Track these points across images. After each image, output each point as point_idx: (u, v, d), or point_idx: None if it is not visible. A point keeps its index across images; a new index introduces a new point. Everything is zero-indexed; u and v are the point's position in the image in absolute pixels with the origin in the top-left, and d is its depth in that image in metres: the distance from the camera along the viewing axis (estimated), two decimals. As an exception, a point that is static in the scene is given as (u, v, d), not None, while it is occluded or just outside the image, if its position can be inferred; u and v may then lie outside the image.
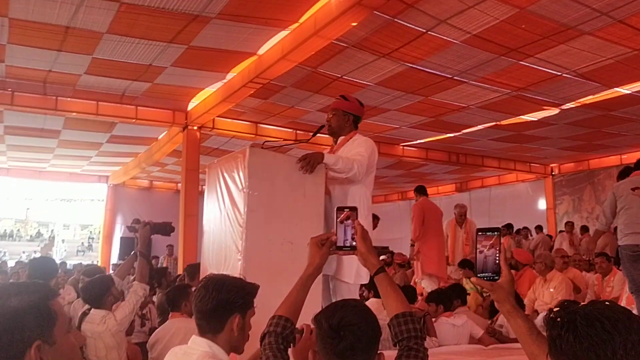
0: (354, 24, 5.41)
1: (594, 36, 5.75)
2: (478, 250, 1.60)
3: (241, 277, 2.15)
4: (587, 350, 1.04)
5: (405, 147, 11.79)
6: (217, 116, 9.28)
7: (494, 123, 9.39)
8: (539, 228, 12.32)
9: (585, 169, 12.93)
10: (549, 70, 6.77)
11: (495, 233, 1.61)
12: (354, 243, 1.79)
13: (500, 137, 10.55)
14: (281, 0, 5.40)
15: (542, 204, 14.18)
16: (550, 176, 13.83)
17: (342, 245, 1.82)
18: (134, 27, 5.88)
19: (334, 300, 3.26)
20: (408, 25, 5.68)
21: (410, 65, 6.71)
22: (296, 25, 5.95)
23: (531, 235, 12.31)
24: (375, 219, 9.04)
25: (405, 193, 18.56)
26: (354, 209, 1.83)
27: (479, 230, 1.62)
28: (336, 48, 6.31)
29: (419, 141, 11.19)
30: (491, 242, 1.60)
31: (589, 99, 7.89)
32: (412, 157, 12.11)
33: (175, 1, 5.29)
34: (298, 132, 10.11)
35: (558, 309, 1.14)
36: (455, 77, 7.09)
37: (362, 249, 1.77)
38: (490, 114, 8.74)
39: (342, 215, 1.82)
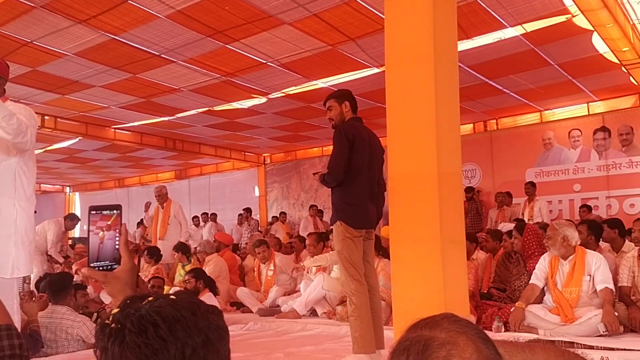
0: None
1: (293, 27, 6.02)
2: (92, 233, 1.24)
3: None
4: None
5: (117, 130, 11.00)
6: None
7: (207, 109, 9.34)
8: (247, 211, 12.91)
9: (293, 159, 13.93)
10: (255, 57, 6.92)
11: (115, 212, 1.26)
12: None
13: (215, 124, 10.58)
14: None
15: (257, 191, 14.86)
16: (263, 165, 14.56)
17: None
18: None
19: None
20: (105, -11, 5.18)
21: (112, 36, 6.16)
22: (-39, -31, 4.93)
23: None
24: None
25: (122, 180, 17.56)
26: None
27: (92, 208, 1.25)
28: (21, 7, 5.46)
29: (132, 124, 10.53)
30: (109, 222, 1.26)
31: (292, 90, 8.35)
32: (125, 141, 11.38)
33: None
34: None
35: (117, 309, 0.85)
36: (163, 55, 6.76)
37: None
38: (202, 98, 8.64)
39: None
